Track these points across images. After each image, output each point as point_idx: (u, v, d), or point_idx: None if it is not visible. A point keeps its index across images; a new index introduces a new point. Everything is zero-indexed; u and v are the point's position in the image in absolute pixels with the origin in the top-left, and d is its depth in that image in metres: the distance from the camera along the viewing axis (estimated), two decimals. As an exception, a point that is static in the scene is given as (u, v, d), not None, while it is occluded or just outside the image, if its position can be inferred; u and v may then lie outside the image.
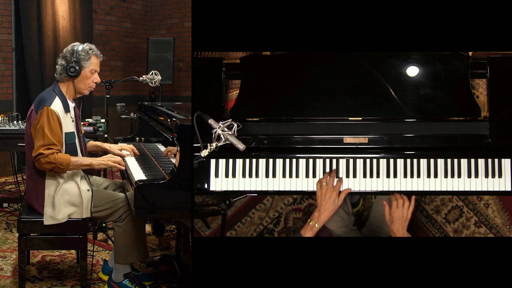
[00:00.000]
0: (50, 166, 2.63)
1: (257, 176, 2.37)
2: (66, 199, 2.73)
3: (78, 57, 2.76)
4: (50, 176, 2.73)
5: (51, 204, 2.72)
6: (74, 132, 2.80)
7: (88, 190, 2.76)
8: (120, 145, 3.22)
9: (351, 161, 2.36)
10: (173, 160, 2.71)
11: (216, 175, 2.37)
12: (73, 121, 2.81)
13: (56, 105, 2.70)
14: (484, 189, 2.32)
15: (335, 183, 2.28)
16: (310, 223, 2.22)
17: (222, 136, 2.07)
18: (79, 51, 2.77)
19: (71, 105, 2.83)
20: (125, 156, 2.99)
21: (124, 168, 2.82)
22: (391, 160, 2.35)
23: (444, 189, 2.34)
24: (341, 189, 2.31)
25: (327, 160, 2.37)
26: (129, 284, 2.86)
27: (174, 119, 2.64)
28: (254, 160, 2.37)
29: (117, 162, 2.79)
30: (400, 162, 2.35)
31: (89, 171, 3.05)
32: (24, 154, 5.61)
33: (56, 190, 2.71)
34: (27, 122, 2.77)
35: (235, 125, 2.09)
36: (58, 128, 2.67)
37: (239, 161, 2.38)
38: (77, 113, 2.93)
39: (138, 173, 2.70)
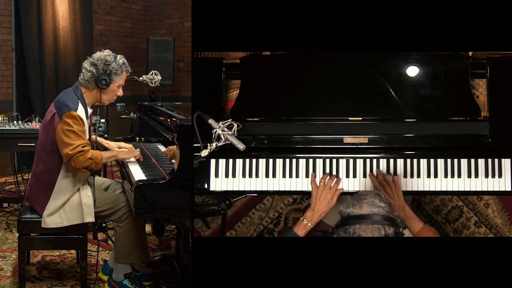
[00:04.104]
0: (89, 162, 2.62)
1: (257, 176, 2.37)
2: (67, 210, 2.73)
3: (111, 70, 2.72)
4: (58, 189, 2.71)
5: (52, 209, 2.71)
6: (89, 139, 2.80)
7: (88, 195, 2.76)
8: (119, 143, 3.22)
9: (351, 161, 2.36)
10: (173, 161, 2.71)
11: (216, 175, 2.37)
12: (88, 127, 2.81)
13: (80, 111, 2.67)
14: (484, 189, 2.33)
15: (332, 185, 2.28)
16: (304, 222, 2.21)
17: (222, 136, 2.07)
18: (113, 63, 2.72)
19: (89, 111, 2.82)
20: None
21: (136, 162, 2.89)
22: (391, 160, 2.35)
23: (444, 189, 2.34)
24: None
25: (327, 160, 2.37)
26: (129, 284, 2.86)
27: (174, 119, 2.64)
28: (254, 160, 2.37)
29: (134, 152, 2.94)
30: (400, 162, 2.35)
31: (92, 172, 3.05)
32: (24, 154, 5.65)
33: (61, 204, 2.71)
34: (48, 125, 2.70)
35: (235, 125, 2.09)
36: (84, 132, 2.67)
37: (239, 161, 2.38)
38: (91, 120, 2.92)
39: (138, 173, 2.70)
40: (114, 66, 2.73)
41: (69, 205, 2.72)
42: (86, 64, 2.76)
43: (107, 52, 2.79)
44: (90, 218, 2.74)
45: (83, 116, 2.68)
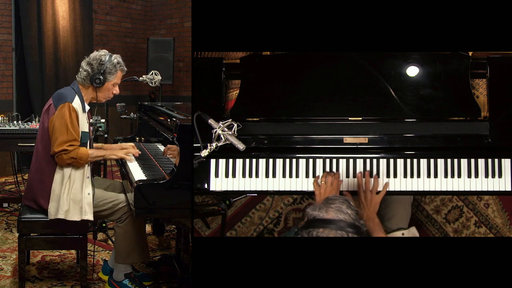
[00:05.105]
0: (71, 161, 2.69)
1: (257, 176, 2.37)
2: (70, 199, 2.73)
3: (105, 69, 2.79)
4: (59, 173, 2.74)
5: (57, 199, 2.72)
6: (88, 132, 2.85)
7: (88, 194, 2.77)
8: (120, 145, 3.23)
9: (351, 161, 2.36)
10: (173, 160, 2.71)
11: (216, 175, 2.37)
12: (87, 121, 2.87)
13: (76, 103, 2.75)
14: (484, 189, 2.32)
15: (333, 182, 2.29)
16: None
17: (222, 136, 2.07)
18: (107, 63, 2.80)
19: (87, 107, 2.87)
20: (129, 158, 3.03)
21: (133, 159, 2.96)
22: (391, 160, 2.35)
23: (444, 189, 2.34)
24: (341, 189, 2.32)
25: (327, 160, 2.37)
26: (129, 284, 2.87)
27: (174, 119, 2.64)
28: (254, 160, 2.37)
29: (126, 153, 2.97)
30: (400, 162, 2.35)
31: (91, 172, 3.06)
32: (24, 154, 5.65)
33: (62, 187, 2.72)
34: (44, 115, 2.78)
35: (235, 125, 2.09)
36: (77, 125, 2.73)
37: (239, 161, 2.38)
38: (89, 117, 2.98)
39: (138, 173, 2.70)
40: (108, 65, 2.80)
41: (70, 201, 2.72)
42: (83, 63, 2.85)
43: (103, 52, 2.87)
44: (88, 216, 2.75)
45: (79, 108, 2.74)
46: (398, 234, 2.54)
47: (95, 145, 3.18)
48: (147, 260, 3.10)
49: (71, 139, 2.68)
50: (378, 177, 2.34)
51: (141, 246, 2.88)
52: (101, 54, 2.84)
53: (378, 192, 2.33)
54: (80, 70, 2.84)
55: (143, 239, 2.92)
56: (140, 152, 3.01)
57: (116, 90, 2.91)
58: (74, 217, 2.73)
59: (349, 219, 1.82)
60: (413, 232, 2.56)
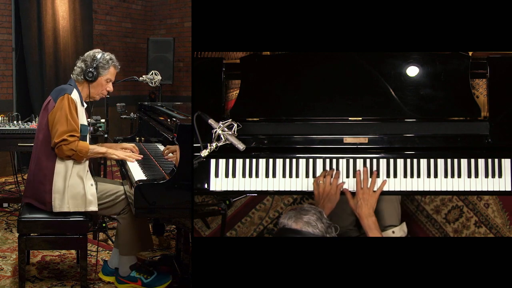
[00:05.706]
0: (71, 153, 2.70)
1: (257, 176, 2.37)
2: (72, 192, 2.74)
3: (97, 64, 2.86)
4: (60, 166, 2.74)
5: (60, 192, 2.73)
6: (87, 126, 2.89)
7: (92, 185, 2.79)
8: (120, 144, 3.24)
9: (351, 161, 2.36)
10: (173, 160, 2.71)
11: (216, 175, 2.37)
12: (86, 119, 2.91)
13: (75, 95, 2.79)
14: (484, 189, 2.32)
15: (332, 181, 2.29)
16: None
17: (222, 136, 2.07)
18: (99, 58, 2.87)
19: (84, 105, 2.92)
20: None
21: (134, 161, 2.95)
22: (391, 160, 2.35)
23: (444, 189, 2.34)
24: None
25: (327, 160, 2.37)
26: (137, 275, 2.90)
27: (174, 119, 2.64)
28: (254, 160, 2.37)
29: (128, 156, 2.95)
30: (400, 162, 2.35)
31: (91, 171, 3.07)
32: (24, 154, 5.65)
33: (65, 180, 2.74)
34: (44, 111, 2.81)
35: (235, 125, 2.09)
36: (76, 116, 2.76)
37: (239, 161, 2.38)
38: (86, 114, 3.00)
39: (138, 173, 2.70)
40: (101, 60, 2.87)
41: (73, 193, 2.73)
42: (77, 62, 2.94)
43: (96, 50, 2.96)
44: (93, 207, 2.76)
45: (77, 100, 2.79)
46: (389, 232, 2.54)
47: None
48: (151, 248, 3.15)
49: (71, 129, 2.70)
50: (378, 175, 2.34)
51: (144, 235, 2.96)
52: (95, 51, 2.92)
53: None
54: (75, 68, 2.91)
55: (146, 229, 2.99)
56: (142, 157, 3.00)
57: (110, 87, 2.96)
58: (79, 208, 2.74)
59: (317, 232, 1.82)
60: (403, 229, 2.56)
